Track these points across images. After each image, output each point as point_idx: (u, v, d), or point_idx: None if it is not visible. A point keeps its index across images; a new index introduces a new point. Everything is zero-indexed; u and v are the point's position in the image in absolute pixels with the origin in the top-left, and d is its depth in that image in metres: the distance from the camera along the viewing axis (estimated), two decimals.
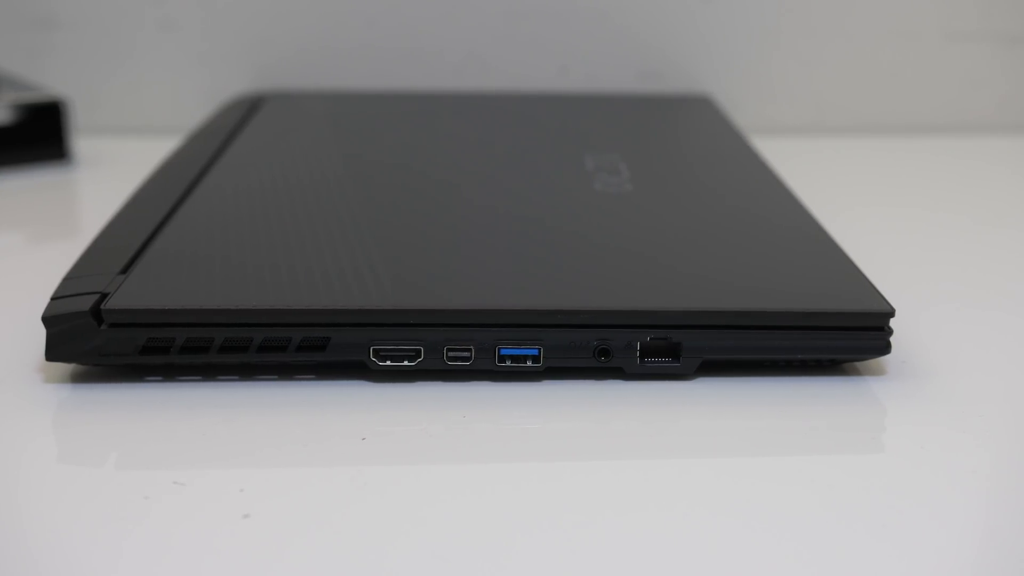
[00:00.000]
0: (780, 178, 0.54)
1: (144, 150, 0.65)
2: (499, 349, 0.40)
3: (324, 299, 0.40)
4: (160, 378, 0.40)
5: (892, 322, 0.40)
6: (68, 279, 0.42)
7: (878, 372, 0.41)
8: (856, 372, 0.41)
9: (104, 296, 0.40)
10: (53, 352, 0.39)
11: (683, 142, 0.66)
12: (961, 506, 0.33)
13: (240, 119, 0.65)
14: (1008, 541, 0.32)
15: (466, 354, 0.40)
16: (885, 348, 0.40)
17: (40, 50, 0.75)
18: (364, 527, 0.32)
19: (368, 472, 0.35)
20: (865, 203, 0.63)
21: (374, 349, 0.40)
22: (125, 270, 0.42)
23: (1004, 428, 0.38)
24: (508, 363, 0.40)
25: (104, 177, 0.66)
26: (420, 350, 0.40)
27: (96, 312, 0.39)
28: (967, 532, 0.32)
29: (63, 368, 0.41)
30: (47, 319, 0.39)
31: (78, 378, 0.40)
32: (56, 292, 0.41)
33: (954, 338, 0.44)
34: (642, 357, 0.40)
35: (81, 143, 0.70)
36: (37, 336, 0.40)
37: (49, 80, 0.73)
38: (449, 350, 0.40)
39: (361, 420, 0.38)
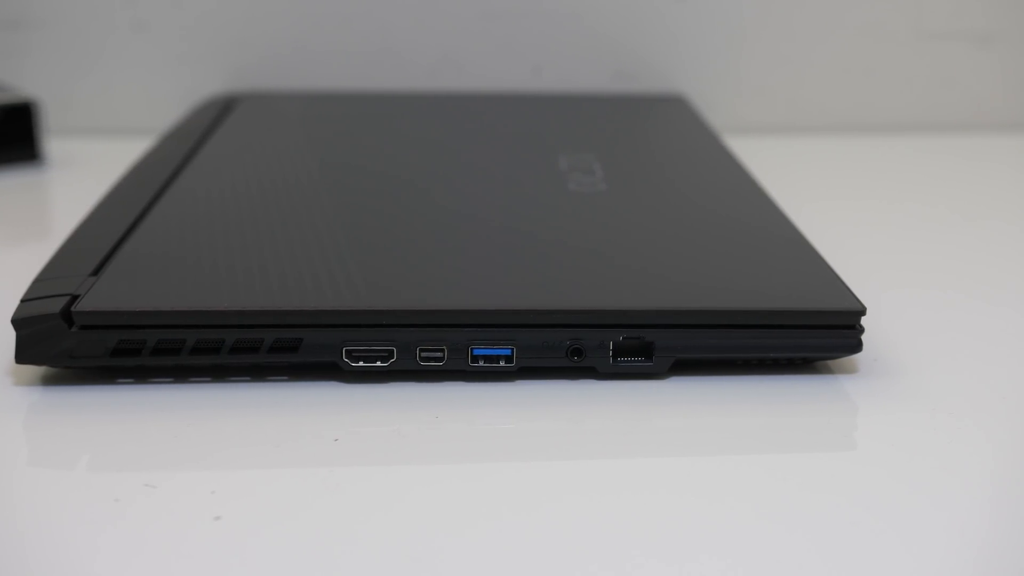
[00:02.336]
0: (753, 177, 0.54)
1: (116, 151, 0.65)
2: (472, 349, 0.40)
3: (296, 300, 0.40)
4: (131, 380, 0.40)
5: (863, 320, 0.40)
6: (38, 281, 0.42)
7: (850, 370, 0.41)
8: (828, 370, 0.41)
9: (75, 298, 0.40)
10: (23, 355, 0.39)
11: (657, 142, 0.66)
12: (932, 503, 0.33)
13: (213, 120, 0.65)
14: (979, 537, 0.32)
15: (439, 354, 0.40)
16: (856, 346, 0.40)
17: (11, 51, 0.74)
18: (337, 528, 0.32)
19: (341, 473, 0.35)
20: (837, 202, 0.63)
21: (347, 350, 0.39)
22: (96, 272, 0.42)
23: (975, 425, 0.38)
24: (481, 363, 0.40)
25: (76, 178, 0.66)
26: (393, 351, 0.40)
27: (67, 314, 0.39)
28: (939, 529, 0.32)
29: (33, 370, 0.40)
30: (17, 321, 0.39)
31: (49, 380, 0.40)
32: (26, 294, 0.41)
33: (926, 335, 0.44)
34: (615, 356, 0.40)
35: (53, 144, 0.70)
36: (7, 339, 0.40)
37: (21, 81, 0.73)
38: (422, 350, 0.40)
39: (334, 421, 0.38)
